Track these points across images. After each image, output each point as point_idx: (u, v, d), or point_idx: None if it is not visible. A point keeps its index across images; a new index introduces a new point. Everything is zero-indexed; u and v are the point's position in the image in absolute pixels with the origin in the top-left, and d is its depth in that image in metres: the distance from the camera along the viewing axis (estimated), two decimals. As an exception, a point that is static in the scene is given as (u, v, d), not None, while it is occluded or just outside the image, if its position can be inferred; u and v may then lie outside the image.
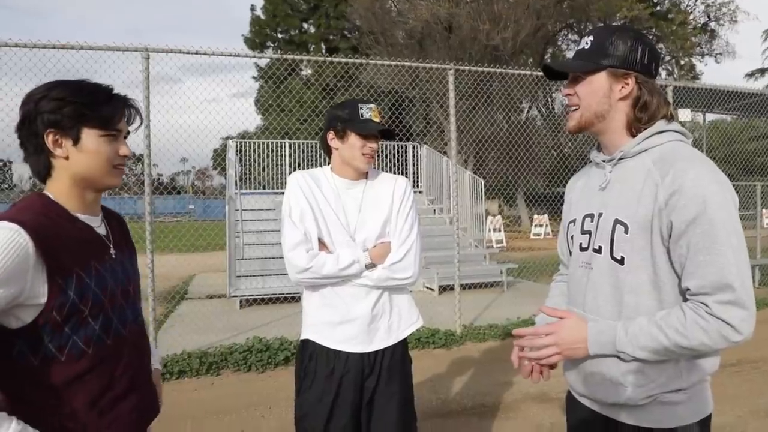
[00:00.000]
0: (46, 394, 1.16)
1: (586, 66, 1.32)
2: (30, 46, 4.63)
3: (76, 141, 1.21)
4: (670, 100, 7.21)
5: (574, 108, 1.36)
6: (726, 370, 4.66)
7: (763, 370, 4.64)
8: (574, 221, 1.44)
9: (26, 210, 1.17)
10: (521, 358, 1.38)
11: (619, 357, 1.25)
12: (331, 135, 1.97)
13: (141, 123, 1.36)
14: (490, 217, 10.36)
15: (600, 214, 1.33)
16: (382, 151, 11.90)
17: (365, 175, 2.04)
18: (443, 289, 8.13)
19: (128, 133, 1.32)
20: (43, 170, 1.24)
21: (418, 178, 11.83)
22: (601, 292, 1.30)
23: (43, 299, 1.12)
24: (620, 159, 1.32)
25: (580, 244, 1.39)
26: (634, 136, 1.31)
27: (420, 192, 11.58)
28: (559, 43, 24.69)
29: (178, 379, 4.56)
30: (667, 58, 26.24)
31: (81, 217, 1.26)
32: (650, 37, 25.25)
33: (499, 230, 10.32)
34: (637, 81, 1.30)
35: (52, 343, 1.15)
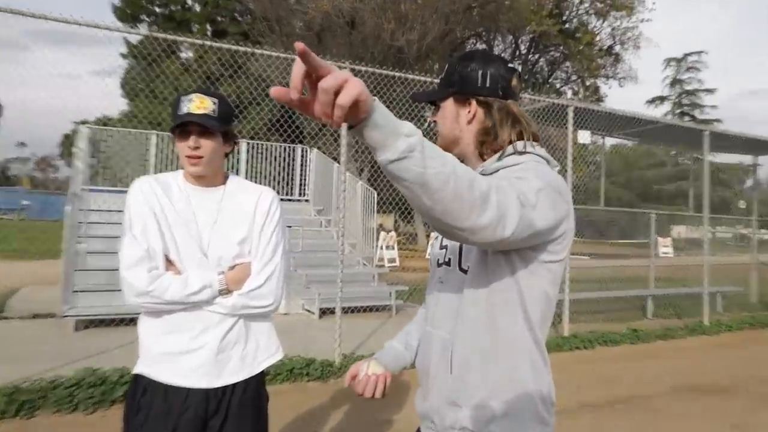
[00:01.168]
0: None
1: (436, 95, 1.49)
2: None
3: None
4: (571, 120, 7.67)
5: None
6: (615, 406, 4.91)
7: (651, 406, 4.95)
8: (437, 237, 1.56)
9: None
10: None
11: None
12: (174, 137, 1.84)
13: None
14: (383, 234, 10.39)
15: None
16: (270, 153, 11.58)
17: (223, 182, 1.93)
18: (324, 312, 7.96)
19: None
20: None
21: (305, 185, 11.65)
22: (449, 304, 1.40)
23: None
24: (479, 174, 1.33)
25: (438, 260, 1.51)
26: (484, 160, 1.41)
27: (306, 201, 11.40)
28: (467, 49, 25.85)
29: (-27, 424, 3.99)
30: (573, 77, 28.49)
31: None
32: (558, 54, 27.33)
33: (393, 248, 10.37)
34: (479, 104, 1.41)
35: None
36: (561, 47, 26.20)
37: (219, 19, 26.12)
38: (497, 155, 1.39)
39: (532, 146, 1.39)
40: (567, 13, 26.17)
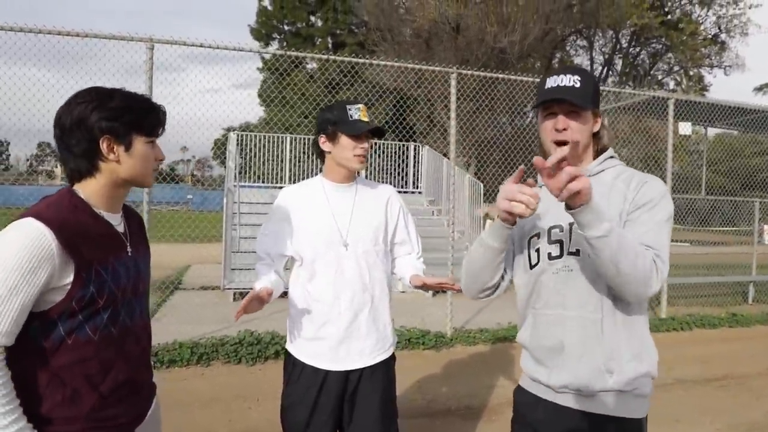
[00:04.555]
0: (51, 375, 1.25)
1: (587, 103, 1.51)
2: (36, 32, 4.69)
3: (128, 147, 1.33)
4: (671, 113, 7.30)
5: (566, 142, 1.49)
6: (711, 383, 4.76)
7: (748, 386, 4.74)
8: (537, 235, 1.56)
9: (54, 206, 1.28)
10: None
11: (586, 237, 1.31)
12: (322, 139, 2.04)
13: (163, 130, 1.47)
14: (488, 221, 10.42)
15: (571, 224, 1.46)
16: (383, 151, 12.00)
17: (355, 180, 2.12)
18: (437, 291, 8.16)
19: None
20: (85, 171, 1.33)
21: (418, 178, 11.91)
22: (584, 288, 1.46)
23: (67, 289, 1.24)
24: None
25: (549, 253, 1.53)
26: (581, 160, 1.56)
27: (419, 193, 11.65)
28: (568, 48, 24.76)
29: (169, 368, 4.64)
30: (676, 68, 26.28)
31: (104, 214, 1.36)
32: (660, 46, 25.35)
33: (497, 234, 10.35)
34: (596, 116, 1.57)
35: (64, 328, 1.26)
36: (663, 39, 24.27)
37: (338, 32, 26.94)
38: (599, 159, 1.57)
39: (612, 150, 1.61)
40: (669, 4, 24.21)
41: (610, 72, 25.97)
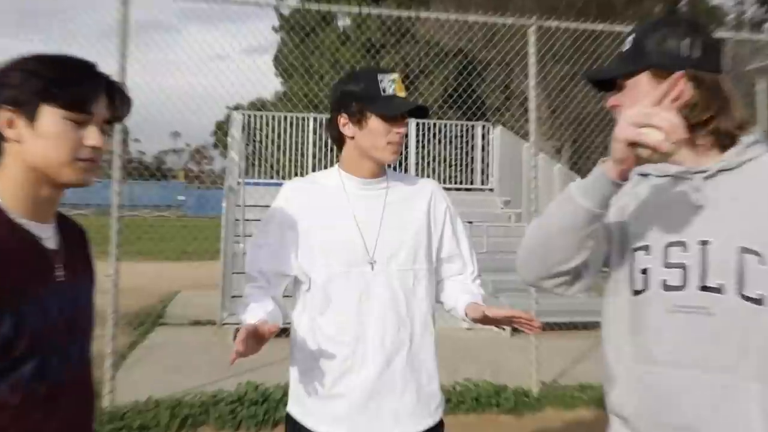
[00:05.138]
0: None
1: (623, 69, 1.50)
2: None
3: (31, 119, 1.31)
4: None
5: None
6: None
7: None
8: (646, 248, 1.48)
9: None
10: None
11: None
12: (343, 119, 2.02)
13: (128, 111, 1.49)
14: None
15: (705, 242, 1.38)
16: (438, 132, 11.84)
17: (384, 173, 2.12)
18: (516, 328, 7.87)
19: (109, 122, 1.44)
20: None
21: (488, 171, 11.83)
22: (729, 343, 1.34)
23: None
24: (719, 171, 1.41)
25: (665, 281, 1.43)
26: (694, 146, 1.45)
27: (490, 190, 11.55)
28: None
29: (140, 437, 4.67)
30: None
31: (25, 224, 1.35)
32: None
33: (603, 247, 10.05)
34: (689, 79, 1.37)
35: None
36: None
37: (380, -23, 27.17)
38: (736, 149, 1.42)
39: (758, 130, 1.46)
40: None
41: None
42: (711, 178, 1.42)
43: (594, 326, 8.30)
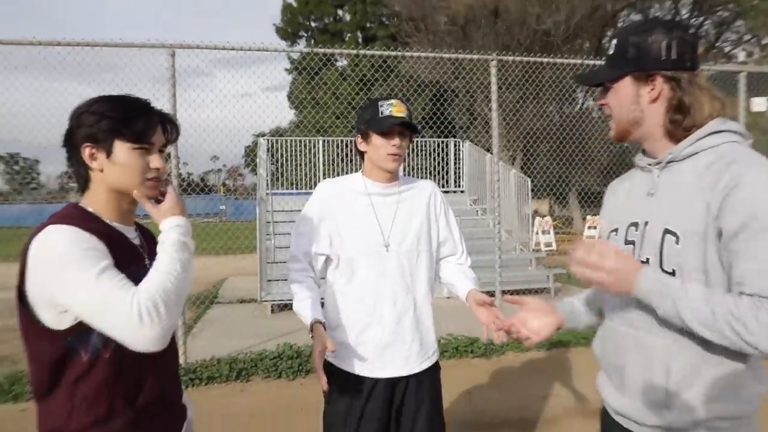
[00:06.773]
0: (92, 387, 1.30)
1: (608, 75, 1.37)
2: (54, 44, 4.95)
3: (109, 154, 1.33)
4: (743, 87, 6.98)
5: (610, 117, 1.42)
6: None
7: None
8: (616, 230, 1.45)
9: (67, 217, 1.30)
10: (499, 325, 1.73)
11: (661, 317, 1.24)
12: (359, 139, 2.09)
13: (177, 136, 1.49)
14: (538, 219, 10.34)
15: (646, 223, 1.34)
16: (421, 149, 12.01)
17: (397, 178, 2.14)
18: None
19: (165, 146, 1.45)
20: (82, 181, 1.39)
21: (459, 176, 11.88)
22: (647, 308, 1.28)
23: None
24: (669, 162, 1.34)
25: None
26: (676, 141, 1.33)
27: (462, 192, 11.62)
28: (620, 24, 24.14)
29: (207, 385, 4.80)
30: (747, 37, 25.13)
31: (116, 225, 1.39)
32: (727, 13, 24.31)
33: (548, 232, 10.27)
34: (666, 80, 1.30)
35: (99, 339, 1.27)
36: (730, 5, 23.29)
37: (368, 25, 27.16)
38: (693, 137, 1.30)
39: (724, 122, 1.31)
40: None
41: (670, 48, 25.01)
42: (665, 168, 1.34)
43: (542, 291, 8.67)
